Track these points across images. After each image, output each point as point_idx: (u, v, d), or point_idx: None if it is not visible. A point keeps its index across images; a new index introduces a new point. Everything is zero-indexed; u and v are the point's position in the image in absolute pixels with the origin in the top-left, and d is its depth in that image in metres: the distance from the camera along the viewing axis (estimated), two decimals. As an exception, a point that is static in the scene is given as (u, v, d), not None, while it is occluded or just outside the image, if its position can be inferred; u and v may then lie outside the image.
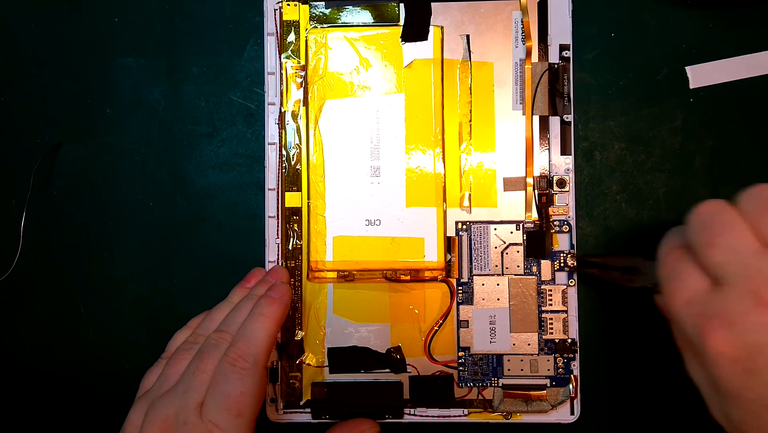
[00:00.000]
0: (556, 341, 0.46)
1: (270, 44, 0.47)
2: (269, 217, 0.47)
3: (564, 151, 0.46)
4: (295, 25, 0.47)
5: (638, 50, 0.47)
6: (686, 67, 0.46)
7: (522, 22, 0.46)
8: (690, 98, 0.46)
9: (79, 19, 0.49)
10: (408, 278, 0.46)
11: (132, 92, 0.49)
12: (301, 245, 0.46)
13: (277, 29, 0.47)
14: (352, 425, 0.45)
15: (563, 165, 0.46)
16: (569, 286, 0.46)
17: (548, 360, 0.46)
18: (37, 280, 0.49)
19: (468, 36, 0.46)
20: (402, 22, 0.46)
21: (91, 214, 0.49)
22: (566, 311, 0.46)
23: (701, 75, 0.46)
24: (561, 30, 0.46)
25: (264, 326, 0.41)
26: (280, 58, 0.47)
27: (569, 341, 0.46)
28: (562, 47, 0.46)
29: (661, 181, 0.47)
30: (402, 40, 0.46)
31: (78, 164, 0.49)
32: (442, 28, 0.46)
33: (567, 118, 0.46)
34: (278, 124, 0.47)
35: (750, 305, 0.32)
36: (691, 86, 0.46)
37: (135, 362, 0.49)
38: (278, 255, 0.46)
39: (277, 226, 0.46)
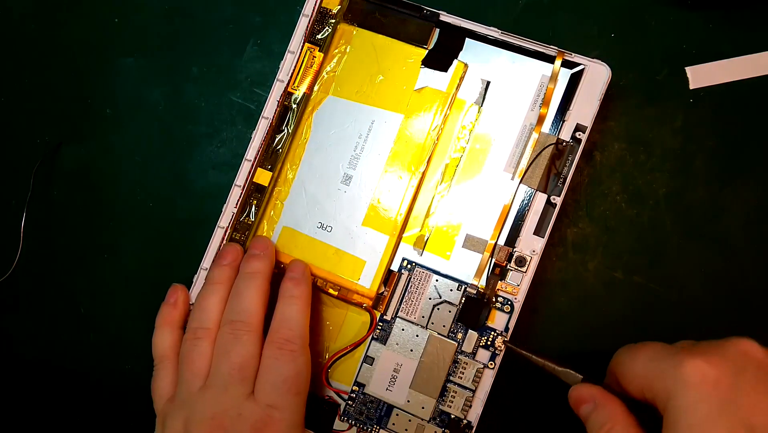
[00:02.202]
0: (452, 416, 0.43)
1: (301, 24, 0.46)
2: (236, 185, 0.46)
3: (538, 232, 0.43)
4: (330, 15, 0.46)
5: (638, 50, 0.46)
6: (686, 68, 0.45)
7: (546, 87, 0.44)
8: (690, 99, 0.45)
9: (79, 19, 0.49)
10: (335, 293, 0.44)
11: (132, 92, 0.49)
12: (252, 222, 0.46)
13: (312, 12, 0.46)
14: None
15: (531, 245, 0.43)
16: (487, 367, 0.43)
17: (435, 432, 0.43)
18: (38, 280, 0.49)
19: (488, 83, 0.44)
20: (430, 47, 0.45)
21: (91, 215, 0.49)
22: (474, 391, 0.43)
23: (701, 75, 0.45)
24: (584, 110, 0.43)
25: (299, 308, 0.42)
26: (304, 40, 0.46)
27: (465, 422, 0.43)
28: (578, 127, 0.43)
29: (661, 181, 0.45)
30: (423, 64, 0.45)
31: (78, 164, 0.49)
32: (466, 65, 0.44)
33: (554, 200, 0.43)
34: (279, 101, 0.46)
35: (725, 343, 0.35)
36: (691, 87, 0.45)
37: (135, 362, 0.49)
38: (229, 223, 0.46)
39: (240, 196, 0.46)
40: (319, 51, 0.46)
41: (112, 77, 0.49)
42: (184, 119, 0.49)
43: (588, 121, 0.43)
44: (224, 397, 0.39)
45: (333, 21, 0.46)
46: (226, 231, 0.46)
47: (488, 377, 0.43)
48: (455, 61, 0.45)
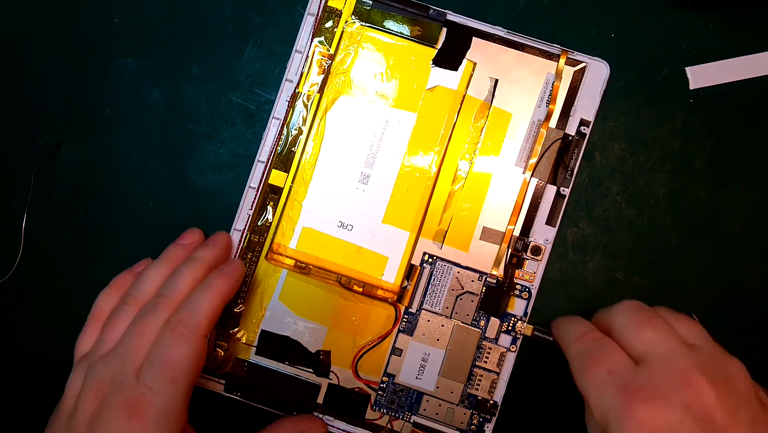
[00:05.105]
0: (479, 398, 0.46)
1: (307, 23, 0.46)
2: (250, 187, 0.47)
3: (549, 222, 0.46)
4: (336, 14, 0.46)
5: (638, 50, 0.46)
6: (686, 68, 0.46)
7: (552, 84, 0.46)
8: (690, 99, 0.46)
9: (79, 20, 0.48)
10: (360, 290, 0.45)
11: (132, 93, 0.48)
12: (271, 223, 0.46)
13: (318, 11, 0.46)
14: (301, 419, 0.45)
15: (544, 234, 0.46)
16: (509, 351, 0.46)
17: (465, 414, 0.46)
18: (38, 281, 0.49)
19: (497, 80, 0.46)
20: (439, 46, 0.46)
21: (91, 215, 0.48)
22: (498, 374, 0.46)
23: (701, 76, 0.46)
24: (587, 105, 0.46)
25: (210, 298, 0.41)
26: (312, 39, 0.46)
27: (491, 402, 0.46)
28: (583, 122, 0.46)
29: (661, 181, 0.46)
30: (433, 63, 0.46)
31: (78, 165, 0.48)
32: (475, 63, 0.46)
33: (563, 191, 0.46)
34: (288, 102, 0.46)
35: (677, 383, 0.35)
36: (691, 87, 0.46)
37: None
38: (246, 225, 0.46)
39: (255, 197, 0.46)
40: (327, 50, 0.46)
41: (112, 77, 0.48)
42: (184, 119, 0.48)
43: (591, 116, 0.46)
44: (119, 363, 0.39)
45: (339, 20, 0.46)
46: (243, 233, 0.46)
47: (510, 360, 0.46)
48: (464, 60, 0.46)
